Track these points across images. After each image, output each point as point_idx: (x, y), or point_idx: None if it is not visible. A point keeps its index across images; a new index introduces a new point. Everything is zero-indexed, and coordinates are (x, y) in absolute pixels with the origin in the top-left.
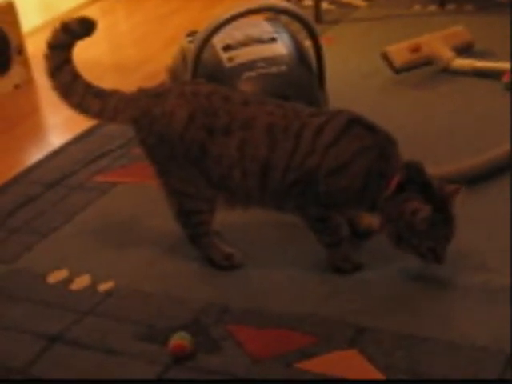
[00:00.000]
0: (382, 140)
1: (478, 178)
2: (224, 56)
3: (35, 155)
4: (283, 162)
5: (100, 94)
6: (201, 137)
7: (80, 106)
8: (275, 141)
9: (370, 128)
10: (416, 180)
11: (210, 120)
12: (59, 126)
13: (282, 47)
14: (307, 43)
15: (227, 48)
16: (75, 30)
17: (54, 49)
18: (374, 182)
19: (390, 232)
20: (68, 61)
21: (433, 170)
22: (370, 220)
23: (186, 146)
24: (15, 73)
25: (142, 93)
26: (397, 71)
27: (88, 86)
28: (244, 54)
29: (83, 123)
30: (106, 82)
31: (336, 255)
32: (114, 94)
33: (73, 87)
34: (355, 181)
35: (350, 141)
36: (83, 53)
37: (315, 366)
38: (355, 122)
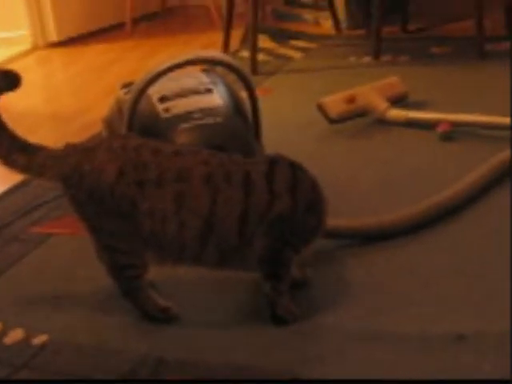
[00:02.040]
0: None
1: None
2: (160, 107)
3: None
4: (235, 213)
5: (26, 148)
6: (131, 191)
7: (5, 160)
8: (217, 191)
9: (298, 164)
10: None
11: (140, 173)
12: None
13: (218, 98)
14: (243, 94)
15: (163, 99)
16: None
17: None
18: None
19: None
20: None
21: (366, 220)
22: (303, 270)
23: (116, 202)
24: None
25: (71, 149)
26: (332, 122)
27: (14, 140)
28: (180, 105)
29: (18, 174)
30: (41, 132)
31: (282, 304)
32: (41, 149)
33: None
34: (323, 212)
35: (305, 179)
36: (19, 102)
37: None
38: (293, 163)
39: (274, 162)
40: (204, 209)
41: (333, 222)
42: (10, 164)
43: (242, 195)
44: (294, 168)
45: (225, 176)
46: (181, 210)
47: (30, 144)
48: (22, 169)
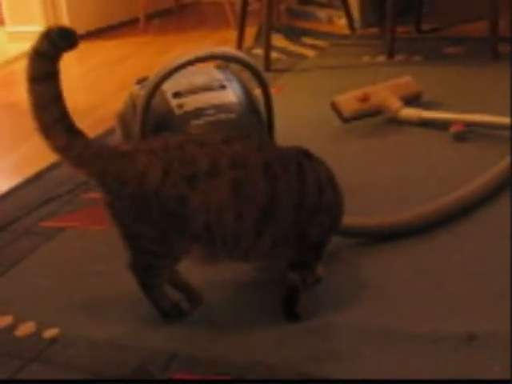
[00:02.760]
0: None
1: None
2: (174, 103)
3: None
4: (292, 201)
5: (71, 130)
6: (179, 189)
7: (46, 131)
8: (275, 178)
9: None
10: None
11: (189, 168)
12: (6, 170)
13: (231, 95)
14: (257, 91)
15: (177, 95)
16: (56, 40)
17: (36, 57)
18: None
19: None
20: (52, 74)
21: (381, 218)
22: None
23: (162, 204)
24: None
25: (107, 151)
26: (345, 120)
27: (63, 115)
28: (194, 101)
29: (31, 168)
30: None
31: (299, 301)
32: (82, 136)
33: (48, 108)
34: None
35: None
36: None
37: None
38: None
39: (308, 153)
40: (263, 196)
41: (346, 220)
42: (50, 138)
43: (298, 183)
44: (321, 161)
45: (281, 163)
46: (238, 198)
47: (75, 127)
48: (59, 150)
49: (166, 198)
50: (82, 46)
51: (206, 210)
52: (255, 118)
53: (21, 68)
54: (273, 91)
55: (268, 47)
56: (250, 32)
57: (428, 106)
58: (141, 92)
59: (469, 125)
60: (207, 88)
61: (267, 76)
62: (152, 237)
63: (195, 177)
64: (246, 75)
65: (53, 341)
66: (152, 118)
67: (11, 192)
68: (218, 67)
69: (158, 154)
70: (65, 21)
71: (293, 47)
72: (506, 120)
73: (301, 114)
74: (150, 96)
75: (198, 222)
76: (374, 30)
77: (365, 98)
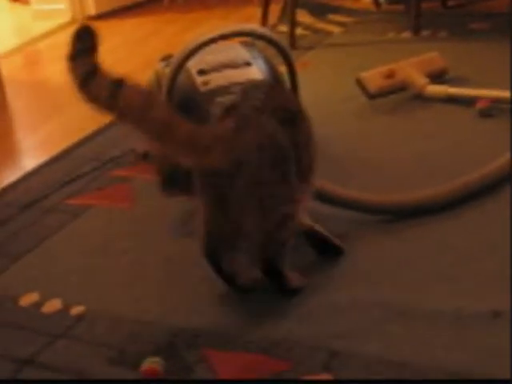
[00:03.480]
0: None
1: (451, 204)
2: (199, 80)
3: (8, 178)
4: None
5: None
6: (290, 135)
7: (168, 119)
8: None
9: None
10: None
11: (283, 115)
12: (33, 148)
13: (256, 72)
14: (282, 68)
15: (202, 72)
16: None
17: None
18: None
19: None
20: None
21: (406, 195)
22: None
23: (292, 152)
24: None
25: (226, 133)
26: (371, 97)
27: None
28: (219, 78)
29: (57, 146)
30: (80, 106)
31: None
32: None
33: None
34: None
35: None
36: (57, 76)
37: None
38: None
39: None
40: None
41: (372, 197)
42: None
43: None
44: None
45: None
46: (311, 133)
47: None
48: (183, 141)
49: (289, 149)
50: (106, 24)
51: (307, 147)
52: None
53: (46, 46)
54: (298, 68)
55: (293, 24)
56: (275, 9)
57: (454, 82)
58: (166, 69)
59: (495, 101)
60: (232, 65)
61: (292, 53)
62: (286, 195)
63: (291, 119)
64: (271, 52)
65: (79, 318)
66: (177, 95)
67: (38, 170)
68: (244, 44)
69: (266, 111)
70: None
71: (318, 24)
72: None
73: (326, 91)
74: (176, 73)
75: (305, 163)
76: (399, 6)
77: (390, 75)
